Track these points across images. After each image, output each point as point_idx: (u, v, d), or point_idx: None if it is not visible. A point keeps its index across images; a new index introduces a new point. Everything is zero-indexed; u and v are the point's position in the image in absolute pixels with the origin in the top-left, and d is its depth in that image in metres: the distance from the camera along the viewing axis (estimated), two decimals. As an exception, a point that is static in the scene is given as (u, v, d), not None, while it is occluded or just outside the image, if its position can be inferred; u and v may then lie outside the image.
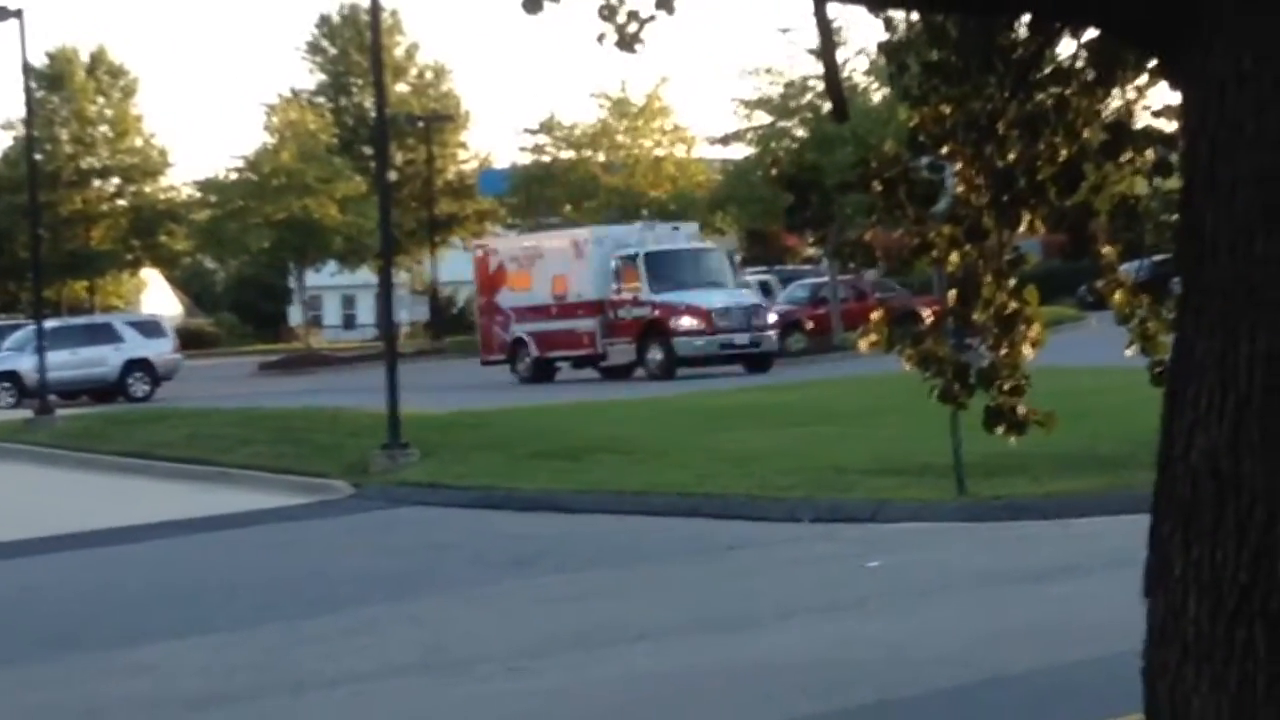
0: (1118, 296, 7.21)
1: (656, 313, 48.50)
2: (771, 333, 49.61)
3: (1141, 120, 6.78)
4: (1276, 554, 3.22)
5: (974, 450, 18.68)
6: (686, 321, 47.69)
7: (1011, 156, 6.65)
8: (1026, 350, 6.91)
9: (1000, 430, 6.89)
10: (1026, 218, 6.86)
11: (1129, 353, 7.13)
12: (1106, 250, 7.35)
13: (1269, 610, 3.23)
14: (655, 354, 48.26)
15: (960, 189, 6.86)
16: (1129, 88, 6.65)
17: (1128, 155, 6.71)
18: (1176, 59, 3.39)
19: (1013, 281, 6.96)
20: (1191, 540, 3.32)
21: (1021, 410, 6.86)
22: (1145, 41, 3.65)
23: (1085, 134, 6.73)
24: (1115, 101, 6.88)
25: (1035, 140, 6.55)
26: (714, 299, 48.76)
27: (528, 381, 50.72)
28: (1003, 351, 6.96)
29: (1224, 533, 3.27)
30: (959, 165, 6.82)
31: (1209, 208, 3.34)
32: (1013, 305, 6.91)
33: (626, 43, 7.28)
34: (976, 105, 6.53)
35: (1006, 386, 6.86)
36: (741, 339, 48.25)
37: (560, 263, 51.85)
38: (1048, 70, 6.54)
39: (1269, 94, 3.22)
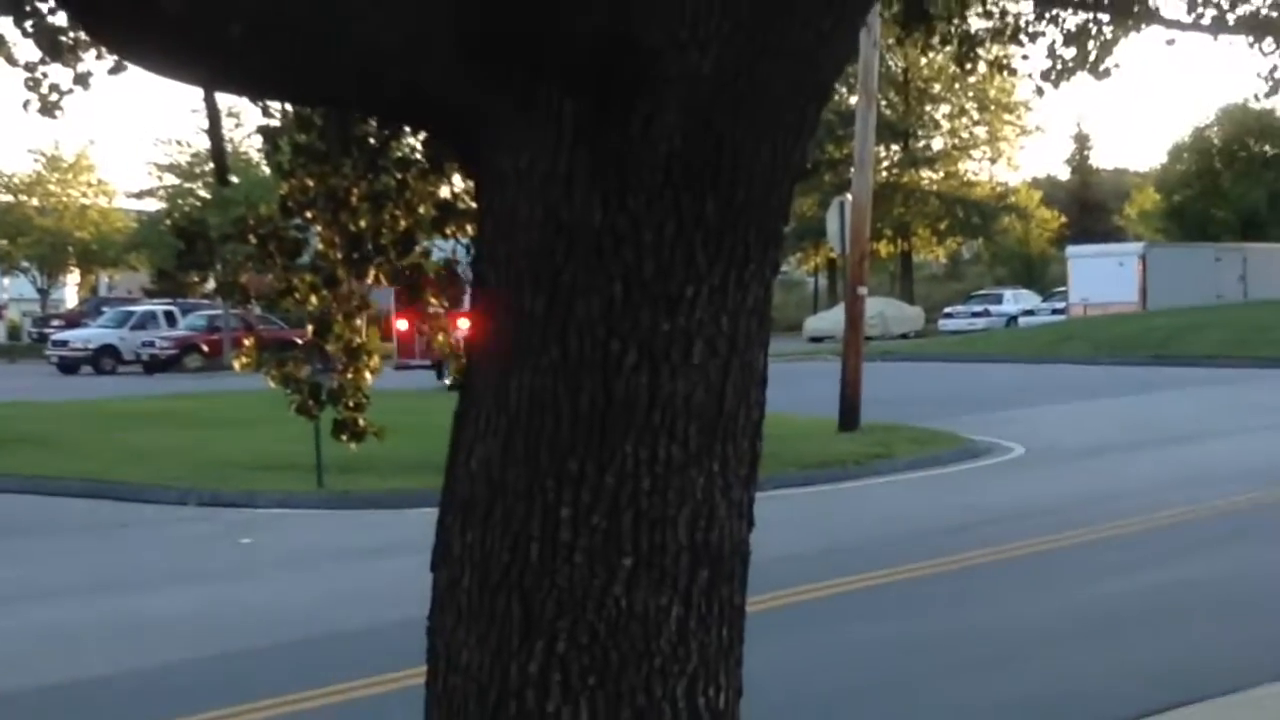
0: (440, 338, 7.37)
1: None
2: None
3: (466, 202, 6.93)
4: (531, 540, 3.34)
5: (335, 453, 18.63)
6: None
7: (362, 224, 6.69)
8: (367, 376, 6.95)
9: (344, 438, 6.90)
10: (372, 272, 6.93)
11: (447, 382, 7.26)
12: (433, 301, 7.48)
13: (524, 584, 3.34)
14: None
15: (321, 246, 6.88)
16: (455, 176, 6.79)
17: (453, 228, 6.85)
18: (471, 155, 3.50)
19: (359, 321, 7.00)
20: (468, 528, 3.40)
21: (362, 423, 6.88)
22: (452, 142, 3.75)
23: (420, 210, 6.84)
24: (446, 186, 7.03)
25: (380, 212, 6.62)
26: None
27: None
28: (349, 375, 6.97)
29: (493, 522, 3.36)
30: (320, 228, 6.84)
31: (492, 274, 3.44)
32: (358, 340, 6.95)
33: (48, 109, 7.06)
34: (335, 181, 6.56)
35: (351, 404, 6.88)
36: None
37: None
38: (393, 157, 6.63)
39: (539, 186, 3.35)
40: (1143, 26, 11.02)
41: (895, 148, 73.17)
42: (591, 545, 3.30)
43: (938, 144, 76.74)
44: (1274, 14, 10.80)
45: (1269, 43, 11.15)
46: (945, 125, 76.68)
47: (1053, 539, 15.56)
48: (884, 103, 64.16)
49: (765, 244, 3.49)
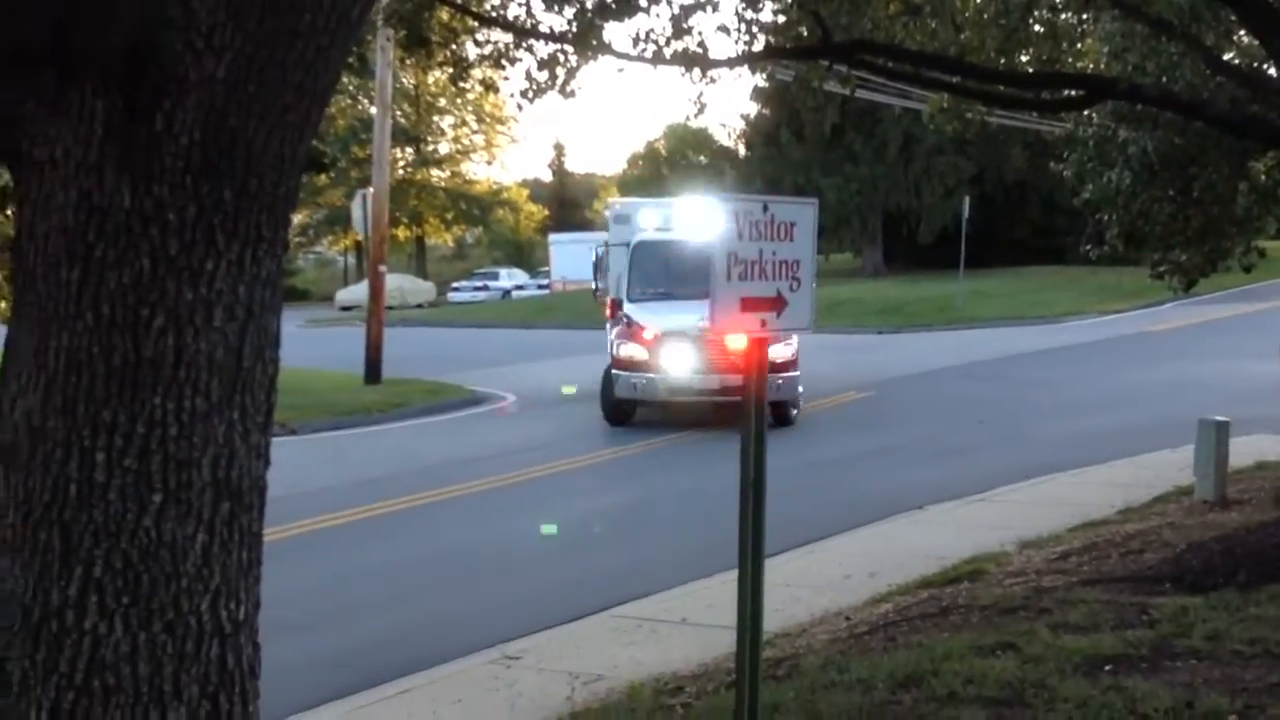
0: (2, 305, 6.91)
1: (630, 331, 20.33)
2: (795, 374, 19.23)
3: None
4: (70, 481, 3.19)
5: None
6: (627, 350, 19.81)
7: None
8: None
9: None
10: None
11: None
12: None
13: (64, 519, 3.19)
14: (608, 389, 20.22)
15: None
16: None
17: (8, 212, 6.38)
18: (10, 149, 3.29)
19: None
20: (12, 471, 3.23)
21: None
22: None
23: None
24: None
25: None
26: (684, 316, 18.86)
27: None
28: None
29: (34, 466, 3.20)
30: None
31: (32, 249, 3.27)
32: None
33: None
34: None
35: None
36: (732, 380, 17.36)
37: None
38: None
39: (73, 174, 3.20)
40: (599, 56, 11.33)
41: (409, 150, 72.93)
42: (124, 484, 3.17)
43: (444, 148, 76.91)
44: (699, 50, 11.29)
45: (696, 74, 11.66)
46: (450, 133, 76.94)
47: (542, 468, 15.92)
48: (399, 113, 63.85)
49: (276, 225, 3.42)
